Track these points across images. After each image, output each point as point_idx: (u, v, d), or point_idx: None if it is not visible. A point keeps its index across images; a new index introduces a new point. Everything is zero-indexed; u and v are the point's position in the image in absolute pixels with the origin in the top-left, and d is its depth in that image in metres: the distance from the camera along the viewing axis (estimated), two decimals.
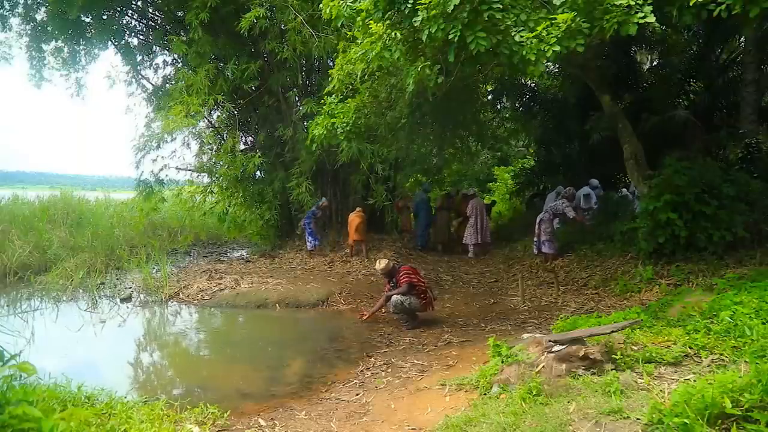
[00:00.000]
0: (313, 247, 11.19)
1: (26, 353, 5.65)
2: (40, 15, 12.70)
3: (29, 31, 13.00)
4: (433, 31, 4.79)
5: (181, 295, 8.58)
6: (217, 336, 7.25)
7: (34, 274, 9.42)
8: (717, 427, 2.34)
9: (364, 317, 6.98)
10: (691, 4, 4.40)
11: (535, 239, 9.58)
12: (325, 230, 12.17)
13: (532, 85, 13.84)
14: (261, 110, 12.18)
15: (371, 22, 5.44)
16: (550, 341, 3.81)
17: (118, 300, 8.44)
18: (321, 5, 6.10)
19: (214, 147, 12.40)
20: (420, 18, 4.82)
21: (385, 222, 13.15)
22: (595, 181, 10.87)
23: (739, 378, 2.52)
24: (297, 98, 11.64)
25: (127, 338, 6.86)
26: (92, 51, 13.54)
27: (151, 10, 13.27)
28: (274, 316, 7.85)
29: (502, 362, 3.84)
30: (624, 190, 10.60)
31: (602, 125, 9.99)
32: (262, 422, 3.93)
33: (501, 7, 4.66)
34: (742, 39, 10.63)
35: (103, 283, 9.32)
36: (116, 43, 13.00)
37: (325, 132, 7.04)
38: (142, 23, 13.50)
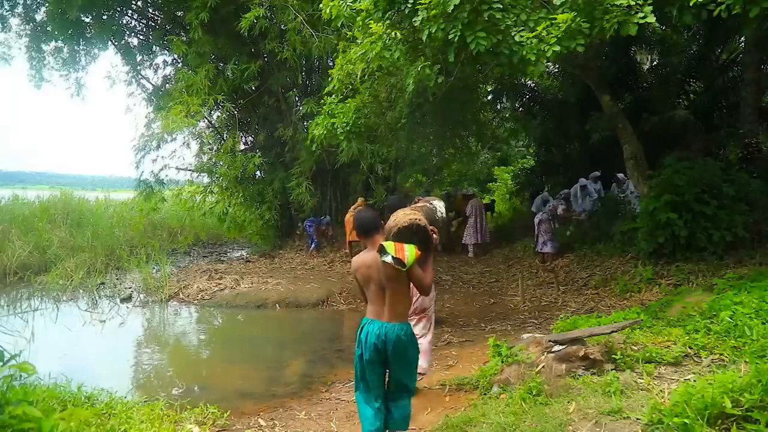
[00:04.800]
0: (310, 249, 11.43)
1: (26, 353, 5.64)
2: (40, 15, 12.71)
3: (29, 32, 13.01)
4: (433, 31, 4.80)
5: (181, 295, 8.58)
6: (217, 336, 7.25)
7: (34, 274, 9.42)
8: (717, 427, 2.34)
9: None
10: (691, 4, 4.40)
11: (536, 239, 9.65)
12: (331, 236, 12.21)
13: (532, 85, 13.82)
14: (261, 110, 12.18)
15: (371, 22, 5.44)
16: (550, 341, 3.80)
17: (118, 300, 8.44)
18: (321, 5, 6.11)
19: (214, 147, 12.41)
20: (420, 18, 4.83)
21: (385, 222, 13.13)
22: (596, 173, 10.83)
23: (739, 378, 2.52)
24: (297, 98, 11.64)
25: (127, 338, 6.86)
26: (92, 51, 13.56)
27: (151, 10, 13.27)
28: (274, 316, 7.85)
29: (502, 362, 3.84)
30: (622, 181, 10.51)
31: (602, 125, 9.98)
32: (262, 422, 3.93)
33: (501, 7, 4.67)
34: (742, 39, 10.61)
35: (103, 283, 9.32)
36: (116, 43, 13.00)
37: (325, 132, 7.05)
38: (142, 23, 13.50)
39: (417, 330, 4.02)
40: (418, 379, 3.74)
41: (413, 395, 3.16)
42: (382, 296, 2.94)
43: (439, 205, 3.92)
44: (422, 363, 3.94)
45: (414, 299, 3.79)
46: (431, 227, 3.18)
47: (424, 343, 4.17)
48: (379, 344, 2.86)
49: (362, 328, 2.97)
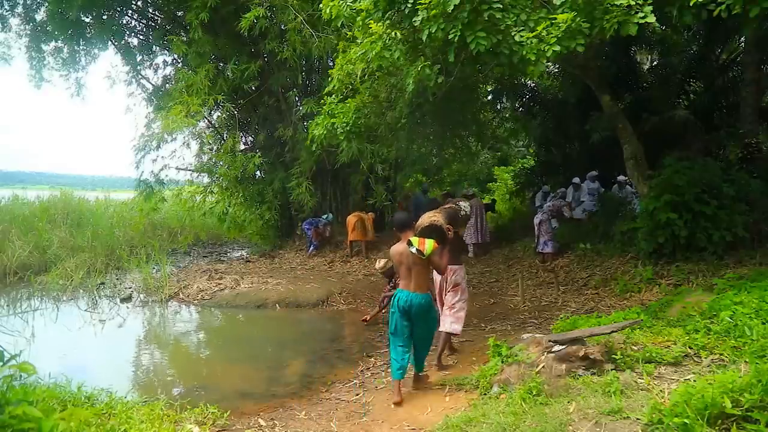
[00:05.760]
0: (309, 252, 11.38)
1: (26, 353, 5.64)
2: (40, 15, 12.70)
3: (29, 31, 13.00)
4: (433, 31, 4.79)
5: (181, 295, 8.58)
6: (217, 336, 7.26)
7: (34, 274, 9.42)
8: (717, 427, 2.34)
9: (366, 320, 6.99)
10: (691, 4, 4.40)
11: (536, 239, 9.65)
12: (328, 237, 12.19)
13: (532, 85, 13.81)
14: (261, 110, 12.18)
15: (371, 22, 5.44)
16: (550, 341, 3.81)
17: (118, 300, 8.44)
18: (321, 5, 6.10)
19: (214, 147, 12.41)
20: (420, 18, 4.82)
21: (385, 222, 13.17)
22: (593, 173, 10.86)
23: (739, 378, 2.52)
24: (297, 98, 11.63)
25: (127, 338, 6.86)
26: (92, 51, 13.55)
27: (151, 10, 13.27)
28: (274, 316, 7.85)
29: (502, 362, 3.84)
30: (623, 184, 10.52)
31: (602, 125, 9.97)
32: (262, 422, 3.93)
33: (501, 7, 4.66)
34: (742, 39, 10.61)
35: (103, 283, 9.32)
36: (116, 43, 12.99)
37: (325, 132, 7.04)
38: (142, 23, 13.50)
39: (453, 300, 4.93)
40: (454, 339, 5.22)
41: (427, 352, 4.38)
42: (409, 274, 4.17)
43: (464, 205, 5.09)
44: (457, 327, 4.94)
45: (450, 275, 4.87)
46: (447, 226, 4.39)
47: (458, 307, 4.97)
48: (406, 306, 4.13)
49: (395, 295, 4.24)
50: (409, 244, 4.03)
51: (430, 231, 4.19)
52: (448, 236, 4.32)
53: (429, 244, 4.00)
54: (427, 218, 4.35)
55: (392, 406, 4.08)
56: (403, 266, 4.19)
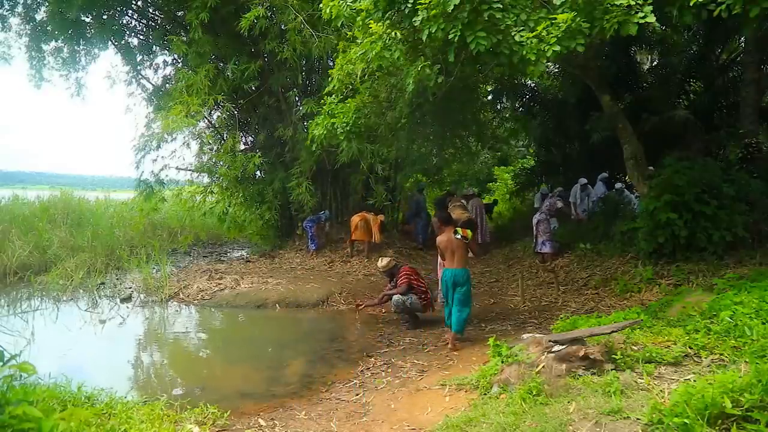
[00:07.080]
0: (310, 250, 11.35)
1: (26, 353, 5.65)
2: (40, 15, 12.68)
3: (29, 31, 12.98)
4: (433, 31, 4.79)
5: (181, 295, 8.58)
6: (217, 336, 7.26)
7: (34, 274, 9.42)
8: (717, 427, 2.34)
9: (359, 306, 7.10)
10: (691, 4, 4.40)
11: (534, 239, 9.65)
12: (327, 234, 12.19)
13: (532, 85, 13.81)
14: (261, 110, 12.17)
15: (371, 22, 5.44)
16: (550, 341, 3.81)
17: (118, 300, 8.44)
18: (321, 5, 6.10)
19: (214, 147, 12.39)
20: (420, 18, 4.83)
21: (385, 222, 13.16)
22: (604, 175, 10.87)
23: (739, 378, 2.52)
24: (297, 98, 11.62)
25: (127, 338, 6.86)
26: (92, 51, 13.52)
27: (151, 10, 13.25)
28: (274, 316, 7.85)
29: (502, 362, 3.85)
30: (620, 187, 10.54)
31: (602, 125, 9.97)
32: (262, 422, 3.94)
33: (501, 6, 4.66)
34: (742, 39, 10.61)
35: (103, 283, 9.32)
36: (116, 43, 12.98)
37: (325, 132, 7.03)
38: (142, 23, 13.49)
39: None
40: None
41: (469, 312, 5.77)
42: (452, 256, 5.65)
43: (463, 201, 7.29)
44: None
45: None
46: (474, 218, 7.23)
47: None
48: (452, 279, 5.62)
49: (444, 272, 5.74)
50: (455, 233, 5.58)
51: (468, 224, 6.21)
52: (476, 227, 6.27)
53: (469, 233, 5.71)
54: (461, 214, 6.62)
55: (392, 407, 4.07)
56: (449, 250, 5.63)
